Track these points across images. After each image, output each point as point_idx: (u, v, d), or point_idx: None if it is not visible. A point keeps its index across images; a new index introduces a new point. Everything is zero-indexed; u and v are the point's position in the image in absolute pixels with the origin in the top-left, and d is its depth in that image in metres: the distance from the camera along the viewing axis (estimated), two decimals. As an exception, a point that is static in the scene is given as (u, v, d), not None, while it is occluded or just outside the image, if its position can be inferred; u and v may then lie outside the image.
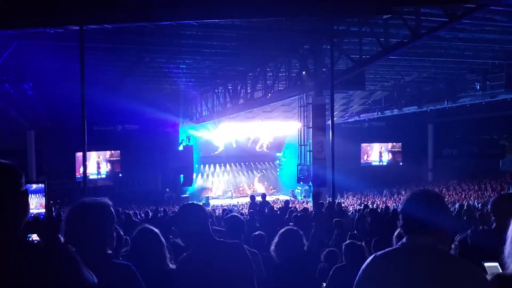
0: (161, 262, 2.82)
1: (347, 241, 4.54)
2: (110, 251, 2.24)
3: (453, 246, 2.80)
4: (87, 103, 10.59)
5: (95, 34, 11.80)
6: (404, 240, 1.99)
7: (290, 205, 13.73)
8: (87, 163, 11.28)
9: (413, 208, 2.00)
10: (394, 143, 31.03)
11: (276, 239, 3.98)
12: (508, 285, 1.89)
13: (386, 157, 31.08)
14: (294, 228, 4.17)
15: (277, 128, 29.88)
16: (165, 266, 2.81)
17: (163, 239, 2.98)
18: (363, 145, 30.84)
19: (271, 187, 32.61)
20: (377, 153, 31.09)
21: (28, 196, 1.55)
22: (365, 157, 31.04)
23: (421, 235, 1.93)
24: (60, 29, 11.21)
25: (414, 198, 2.05)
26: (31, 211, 1.94)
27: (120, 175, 25.64)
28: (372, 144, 31.10)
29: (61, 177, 21.84)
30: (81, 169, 16.00)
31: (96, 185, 23.98)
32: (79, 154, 19.98)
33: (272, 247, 3.92)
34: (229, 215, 5.67)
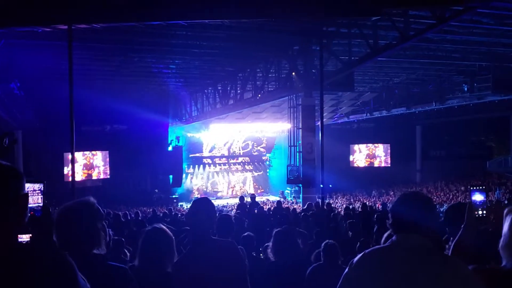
0: (167, 265, 2.83)
1: (327, 241, 4.57)
2: (104, 250, 2.23)
3: (447, 246, 2.86)
4: (75, 103, 10.50)
5: (84, 33, 11.71)
6: (394, 238, 2.02)
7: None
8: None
9: (403, 208, 2.05)
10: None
11: (272, 239, 4.10)
12: (500, 282, 1.92)
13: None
14: (287, 227, 4.24)
15: (266, 129, 29.97)
16: (170, 269, 2.83)
17: (173, 240, 2.99)
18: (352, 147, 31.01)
19: (260, 187, 32.61)
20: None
21: (28, 199, 1.52)
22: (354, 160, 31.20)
23: (410, 233, 1.97)
24: (48, 28, 11.11)
25: (404, 199, 2.10)
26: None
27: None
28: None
29: (49, 177, 21.62)
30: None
31: (85, 186, 23.80)
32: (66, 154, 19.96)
33: (269, 249, 4.02)
34: (220, 214, 5.72)
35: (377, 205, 19.81)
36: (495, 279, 1.92)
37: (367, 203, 22.48)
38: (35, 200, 2.01)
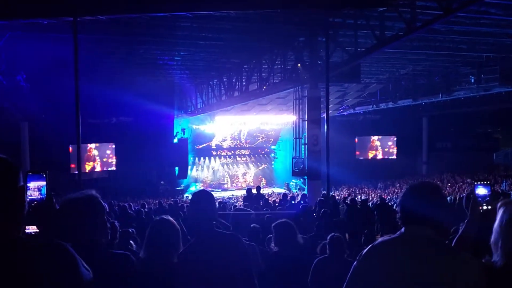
0: (173, 256, 2.84)
1: (333, 234, 4.57)
2: (104, 242, 2.25)
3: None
4: (81, 95, 10.54)
5: (89, 25, 11.71)
6: (402, 230, 2.02)
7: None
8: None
9: (411, 200, 2.03)
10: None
11: (273, 232, 4.19)
12: (496, 277, 1.92)
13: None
14: (285, 220, 4.30)
15: (271, 121, 29.92)
16: (173, 259, 2.84)
17: (180, 232, 3.01)
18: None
19: (264, 179, 32.61)
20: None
21: (25, 191, 1.52)
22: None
23: (419, 225, 1.96)
24: (53, 20, 11.13)
25: (413, 190, 2.08)
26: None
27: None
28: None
29: (56, 169, 21.72)
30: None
31: (91, 178, 23.91)
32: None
33: (272, 242, 4.09)
34: (238, 213, 5.81)
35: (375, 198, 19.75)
36: (488, 275, 1.92)
37: (373, 195, 22.53)
38: (35, 194, 2.01)
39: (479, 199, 2.34)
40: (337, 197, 16.65)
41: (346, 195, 18.47)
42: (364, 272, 1.97)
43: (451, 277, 1.82)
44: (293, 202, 13.16)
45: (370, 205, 13.23)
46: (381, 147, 31.14)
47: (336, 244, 4.40)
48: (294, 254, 4.04)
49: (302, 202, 12.16)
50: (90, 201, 2.22)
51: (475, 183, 2.40)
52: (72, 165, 21.43)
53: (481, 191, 2.36)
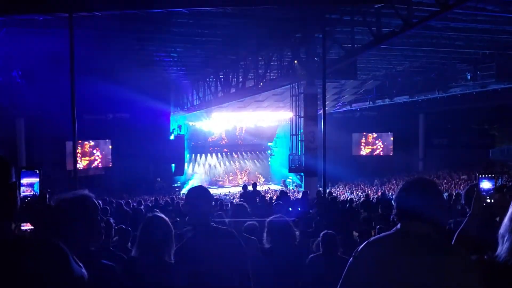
0: (165, 254, 2.82)
1: (326, 231, 4.55)
2: (94, 247, 2.22)
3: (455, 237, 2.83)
4: (77, 92, 10.50)
5: (85, 21, 11.66)
6: (398, 226, 2.02)
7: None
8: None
9: (407, 195, 2.03)
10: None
11: (266, 229, 4.15)
12: (497, 273, 1.90)
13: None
14: (279, 216, 4.30)
15: (268, 118, 29.87)
16: (167, 258, 2.81)
17: (172, 229, 2.98)
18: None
19: (260, 176, 32.59)
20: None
21: (17, 188, 1.50)
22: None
23: (414, 221, 1.96)
24: (49, 16, 11.08)
25: (408, 186, 2.08)
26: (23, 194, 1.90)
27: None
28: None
29: (52, 166, 21.67)
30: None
31: (87, 175, 23.85)
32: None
33: (264, 238, 4.08)
34: (236, 203, 5.77)
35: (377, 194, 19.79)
36: (489, 272, 1.91)
37: (369, 192, 22.57)
38: (28, 191, 1.98)
39: (483, 193, 2.31)
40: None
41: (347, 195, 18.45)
42: (360, 268, 1.97)
43: (446, 273, 1.82)
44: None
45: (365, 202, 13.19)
46: (378, 144, 31.21)
47: (329, 241, 4.39)
48: (287, 251, 4.02)
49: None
50: (84, 201, 2.20)
51: (480, 176, 2.35)
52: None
53: (486, 184, 2.31)
